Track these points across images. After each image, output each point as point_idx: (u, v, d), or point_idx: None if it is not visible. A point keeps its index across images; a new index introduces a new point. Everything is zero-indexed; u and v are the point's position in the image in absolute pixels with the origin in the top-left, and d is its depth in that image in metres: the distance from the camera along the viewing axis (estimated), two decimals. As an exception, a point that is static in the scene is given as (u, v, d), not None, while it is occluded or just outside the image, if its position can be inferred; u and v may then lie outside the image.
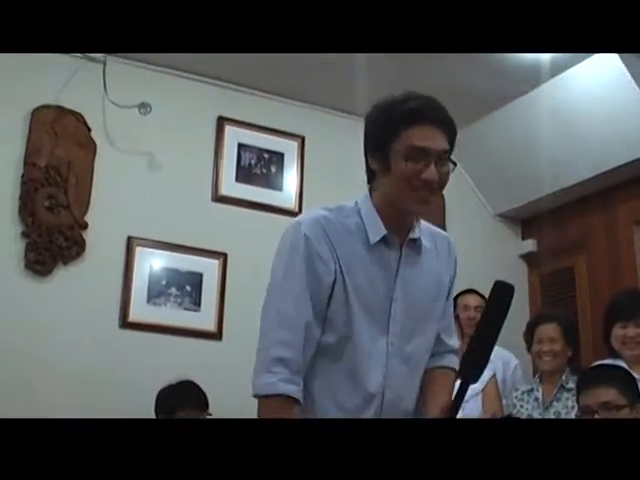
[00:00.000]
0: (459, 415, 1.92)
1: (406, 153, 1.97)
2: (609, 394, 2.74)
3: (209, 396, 3.67)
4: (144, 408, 3.56)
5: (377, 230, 2.05)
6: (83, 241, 4.15)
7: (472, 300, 4.32)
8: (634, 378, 2.91)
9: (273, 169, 4.83)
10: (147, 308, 4.25)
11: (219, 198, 4.63)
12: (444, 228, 4.29)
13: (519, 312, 5.02)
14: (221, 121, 4.73)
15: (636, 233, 4.86)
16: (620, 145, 4.57)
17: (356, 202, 2.11)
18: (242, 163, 4.75)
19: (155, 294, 4.29)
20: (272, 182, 4.81)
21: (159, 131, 4.50)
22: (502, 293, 1.87)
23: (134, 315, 4.20)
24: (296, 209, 4.75)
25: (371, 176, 2.12)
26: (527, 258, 5.55)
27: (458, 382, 1.96)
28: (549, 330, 3.82)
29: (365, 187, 2.16)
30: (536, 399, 3.76)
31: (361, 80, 3.93)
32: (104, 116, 4.35)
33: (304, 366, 1.97)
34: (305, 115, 4.97)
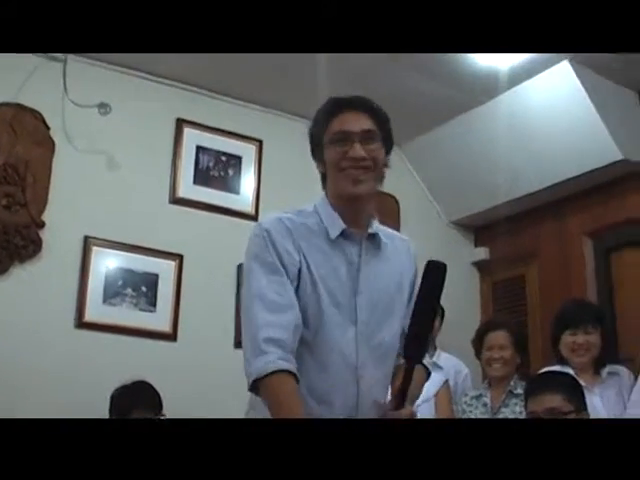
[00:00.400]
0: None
1: (331, 139, 2.11)
2: (555, 400, 2.79)
3: (163, 397, 3.67)
4: (99, 408, 3.55)
5: (336, 225, 2.13)
6: (40, 240, 4.12)
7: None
8: (580, 385, 2.97)
9: (231, 172, 4.83)
10: (103, 308, 4.23)
11: (177, 200, 4.62)
12: (399, 234, 4.33)
13: (470, 319, 5.09)
14: (180, 123, 4.73)
15: (586, 244, 4.96)
16: (572, 158, 4.64)
17: (314, 205, 2.21)
18: (200, 165, 4.74)
19: (111, 294, 4.28)
20: (229, 185, 4.81)
21: (118, 131, 4.49)
22: (435, 272, 1.94)
23: (90, 315, 4.18)
24: (253, 212, 4.77)
25: (323, 179, 2.23)
26: (479, 266, 5.61)
27: (402, 361, 2.04)
28: (499, 337, 3.85)
29: (321, 191, 2.25)
30: (485, 404, 3.79)
31: (319, 85, 3.96)
32: (63, 115, 4.33)
33: (295, 349, 1.99)
34: (263, 119, 4.99)
